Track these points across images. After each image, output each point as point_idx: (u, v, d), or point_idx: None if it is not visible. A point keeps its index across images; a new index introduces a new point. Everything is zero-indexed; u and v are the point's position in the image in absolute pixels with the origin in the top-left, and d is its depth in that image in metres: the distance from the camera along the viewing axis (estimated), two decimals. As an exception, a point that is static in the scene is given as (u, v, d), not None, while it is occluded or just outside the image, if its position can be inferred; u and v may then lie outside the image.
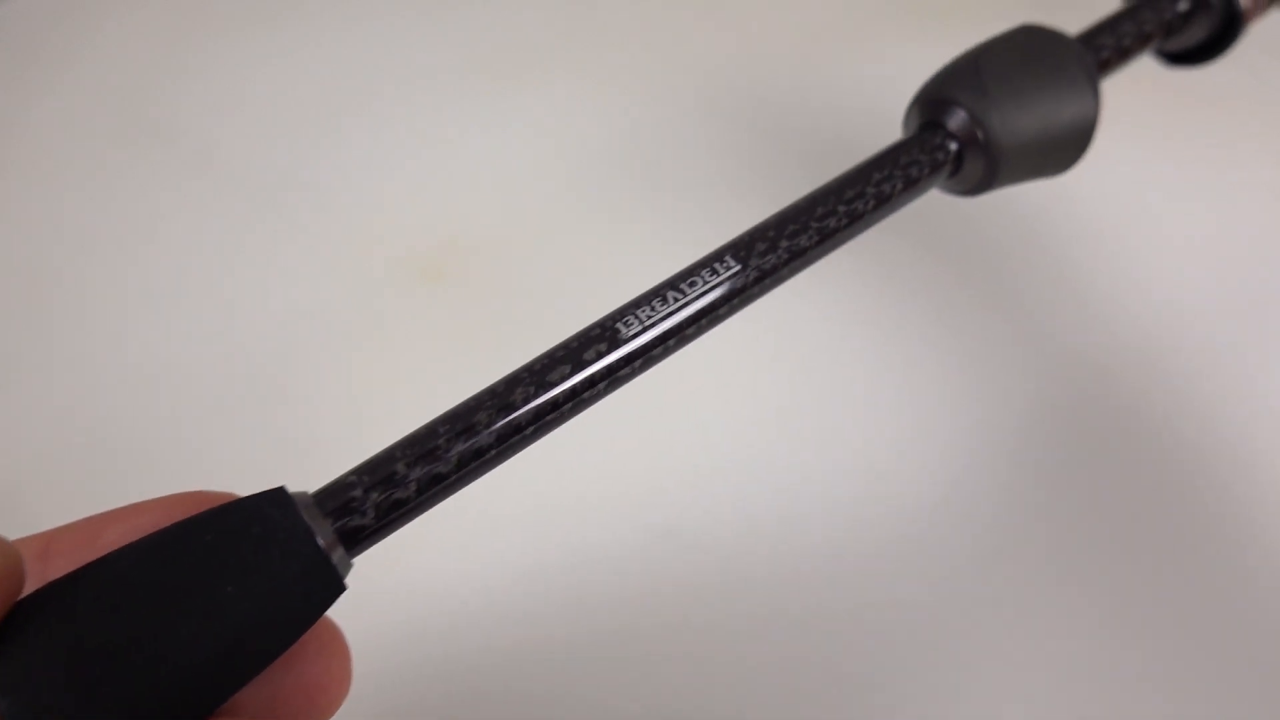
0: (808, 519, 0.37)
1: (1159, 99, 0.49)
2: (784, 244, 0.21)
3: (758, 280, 0.21)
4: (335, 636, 0.17)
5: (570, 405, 0.19)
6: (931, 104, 0.23)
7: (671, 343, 0.20)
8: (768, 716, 0.33)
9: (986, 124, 0.22)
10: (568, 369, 0.18)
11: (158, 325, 0.43)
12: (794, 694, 0.34)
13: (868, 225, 0.22)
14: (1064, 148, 0.24)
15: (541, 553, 0.36)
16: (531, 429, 0.18)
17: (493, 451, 0.18)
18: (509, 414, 0.18)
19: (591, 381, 0.19)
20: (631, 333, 0.19)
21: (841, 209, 0.22)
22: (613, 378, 0.19)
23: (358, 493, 0.17)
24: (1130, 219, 0.46)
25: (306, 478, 0.18)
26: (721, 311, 0.20)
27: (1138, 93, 0.43)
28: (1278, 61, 0.52)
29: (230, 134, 0.50)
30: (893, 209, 0.22)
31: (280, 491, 0.16)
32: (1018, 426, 0.40)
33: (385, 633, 0.34)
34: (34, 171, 0.49)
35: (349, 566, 0.17)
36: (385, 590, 0.35)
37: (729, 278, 0.20)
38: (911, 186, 0.22)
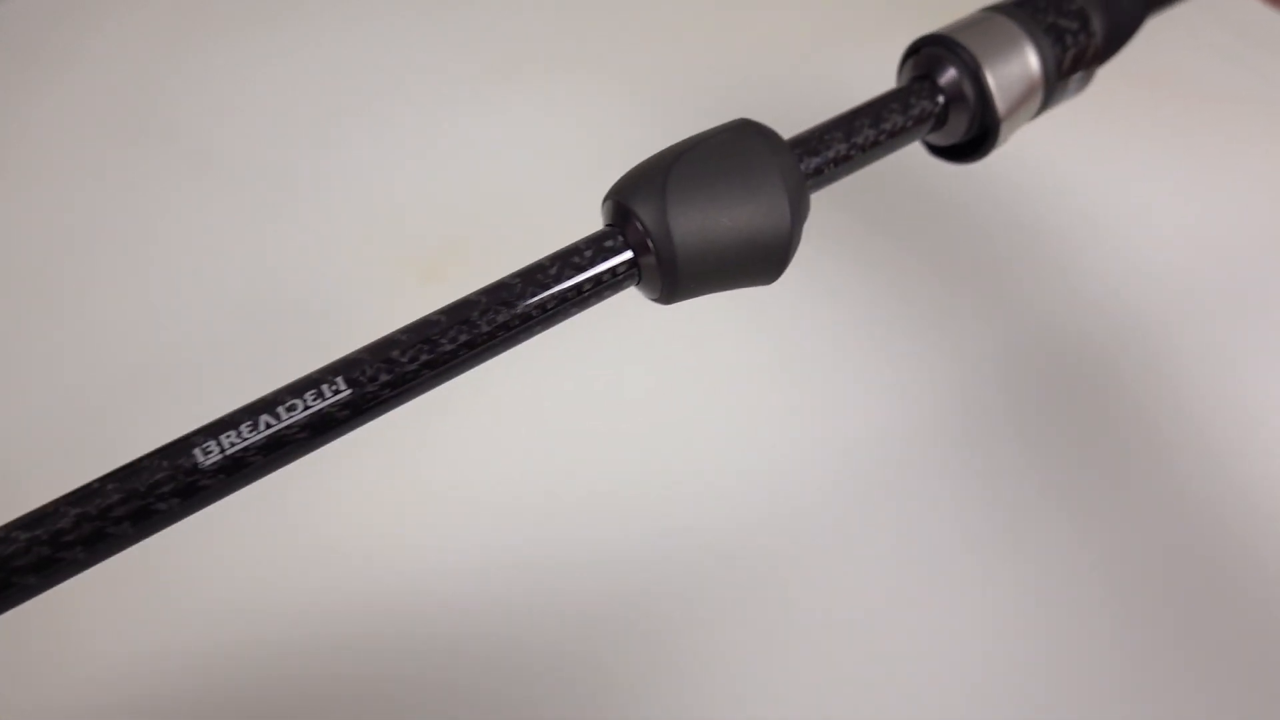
0: (788, 494, 0.37)
1: (1159, 98, 0.49)
2: (418, 358, 0.19)
3: (374, 402, 0.18)
4: None
5: (134, 531, 0.17)
6: (613, 209, 0.21)
7: (256, 471, 0.18)
8: (767, 712, 0.33)
9: (658, 239, 0.20)
10: (129, 504, 0.17)
11: (157, 324, 0.43)
12: (788, 689, 0.34)
13: (529, 336, 0.20)
14: (753, 264, 0.22)
15: (539, 551, 0.36)
16: (82, 556, 0.17)
17: (28, 586, 0.16)
18: (55, 549, 0.16)
19: (147, 512, 0.17)
20: (210, 462, 0.17)
21: (495, 324, 0.19)
22: (186, 504, 0.17)
23: None
24: (1128, 214, 0.46)
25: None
26: (326, 438, 0.18)
27: (1138, 91, 0.43)
28: (1278, 61, 0.52)
29: (230, 134, 0.50)
30: (559, 319, 0.20)
31: None
32: (1005, 416, 0.40)
33: (381, 626, 0.34)
34: (34, 171, 0.49)
35: None
36: (380, 588, 0.35)
37: (336, 402, 0.18)
38: (579, 301, 0.20)
